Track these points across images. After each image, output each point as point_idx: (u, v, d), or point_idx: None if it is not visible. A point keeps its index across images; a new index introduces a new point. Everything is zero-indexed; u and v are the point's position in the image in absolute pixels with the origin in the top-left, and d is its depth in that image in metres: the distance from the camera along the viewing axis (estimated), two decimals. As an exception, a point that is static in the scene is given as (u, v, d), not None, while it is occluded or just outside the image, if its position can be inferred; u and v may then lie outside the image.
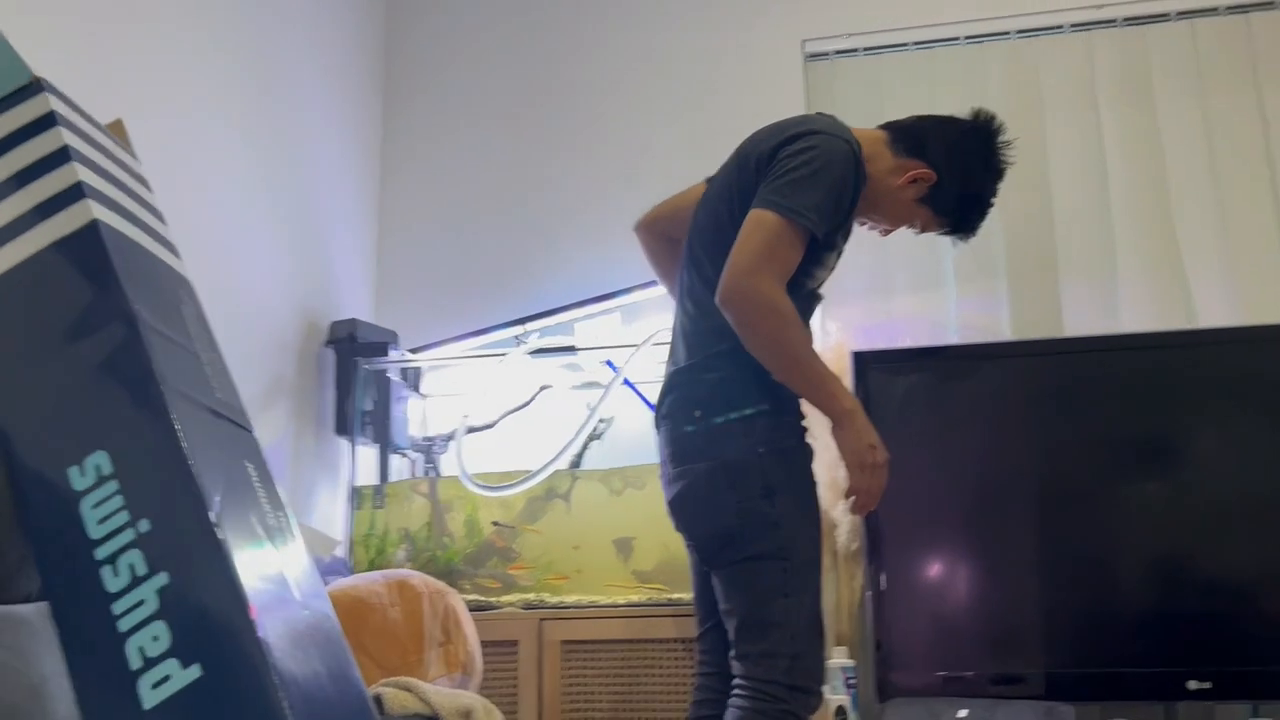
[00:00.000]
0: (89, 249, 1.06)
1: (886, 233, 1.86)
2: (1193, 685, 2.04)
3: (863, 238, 2.15)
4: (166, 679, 0.83)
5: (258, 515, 1.00)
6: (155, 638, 0.85)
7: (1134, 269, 2.58)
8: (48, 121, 1.14)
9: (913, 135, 1.76)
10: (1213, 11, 2.73)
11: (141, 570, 0.88)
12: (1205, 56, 2.70)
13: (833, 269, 1.74)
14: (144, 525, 0.90)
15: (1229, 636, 2.08)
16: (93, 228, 1.07)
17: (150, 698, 0.83)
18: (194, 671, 0.84)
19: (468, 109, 3.08)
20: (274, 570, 0.96)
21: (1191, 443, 2.20)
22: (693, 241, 1.75)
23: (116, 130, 1.39)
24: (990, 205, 1.80)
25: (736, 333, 1.57)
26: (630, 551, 2.28)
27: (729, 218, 1.65)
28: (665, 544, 2.20)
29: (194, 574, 0.88)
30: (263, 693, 0.82)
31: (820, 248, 1.63)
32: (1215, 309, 2.50)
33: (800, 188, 1.56)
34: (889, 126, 1.79)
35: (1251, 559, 2.11)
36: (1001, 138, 1.77)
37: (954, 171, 1.74)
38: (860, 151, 1.66)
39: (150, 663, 0.84)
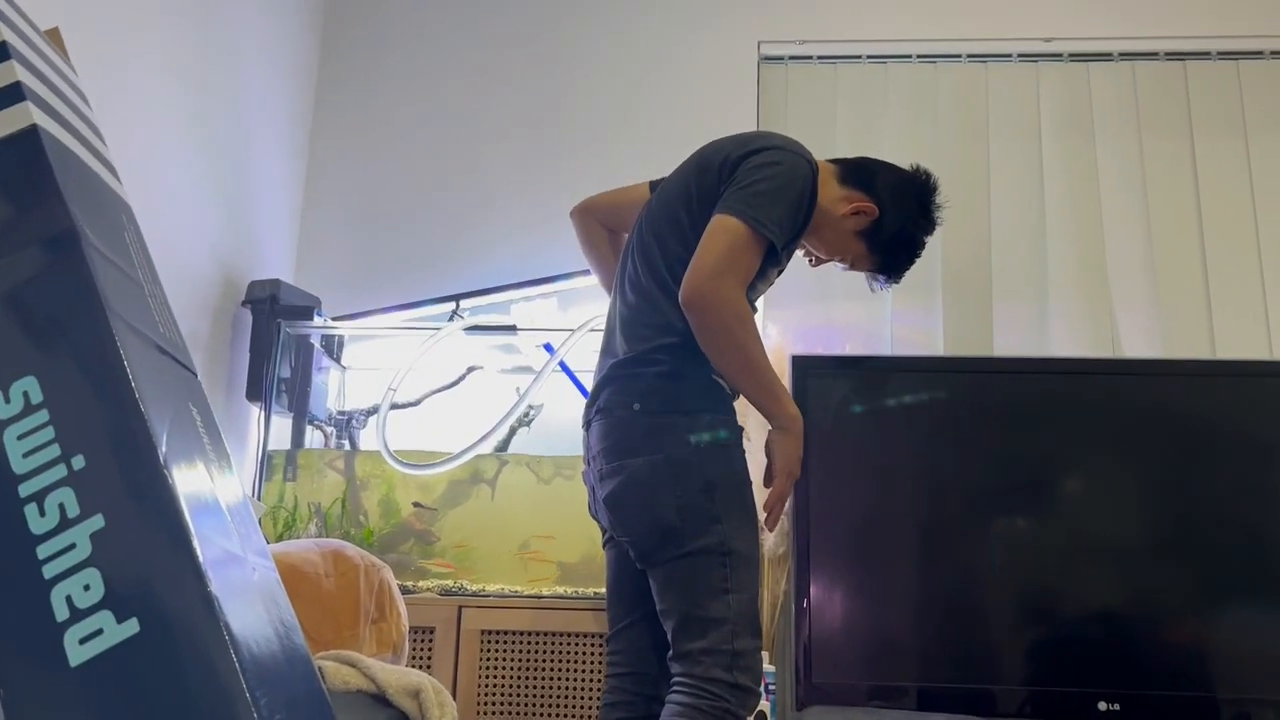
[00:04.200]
0: (26, 155, 0.95)
1: (818, 262, 1.87)
2: (1102, 706, 2.09)
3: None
4: (98, 633, 0.73)
5: (204, 462, 0.91)
6: (86, 587, 0.75)
7: (1064, 296, 2.63)
8: (-18, 14, 1.03)
9: (861, 170, 1.80)
10: (1153, 56, 2.82)
11: (73, 511, 0.78)
12: (1143, 98, 2.78)
13: (771, 283, 1.77)
14: (78, 462, 0.80)
15: (1141, 661, 2.13)
16: (32, 132, 0.96)
17: (78, 654, 0.73)
18: (130, 626, 0.74)
19: (408, 74, 2.97)
20: (222, 522, 0.87)
21: (1111, 469, 2.24)
22: (644, 233, 1.73)
23: (54, 38, 1.27)
24: (919, 252, 1.85)
25: (696, 334, 1.57)
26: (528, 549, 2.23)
27: (687, 217, 1.65)
28: (593, 537, 2.13)
29: (135, 519, 0.78)
30: (210, 652, 0.73)
31: (768, 262, 1.63)
32: (1137, 339, 2.57)
33: (766, 199, 1.57)
34: (837, 161, 1.82)
35: (1172, 587, 2.16)
36: (938, 196, 1.83)
37: (896, 210, 1.77)
38: (818, 174, 1.69)
39: (79, 614, 0.74)
